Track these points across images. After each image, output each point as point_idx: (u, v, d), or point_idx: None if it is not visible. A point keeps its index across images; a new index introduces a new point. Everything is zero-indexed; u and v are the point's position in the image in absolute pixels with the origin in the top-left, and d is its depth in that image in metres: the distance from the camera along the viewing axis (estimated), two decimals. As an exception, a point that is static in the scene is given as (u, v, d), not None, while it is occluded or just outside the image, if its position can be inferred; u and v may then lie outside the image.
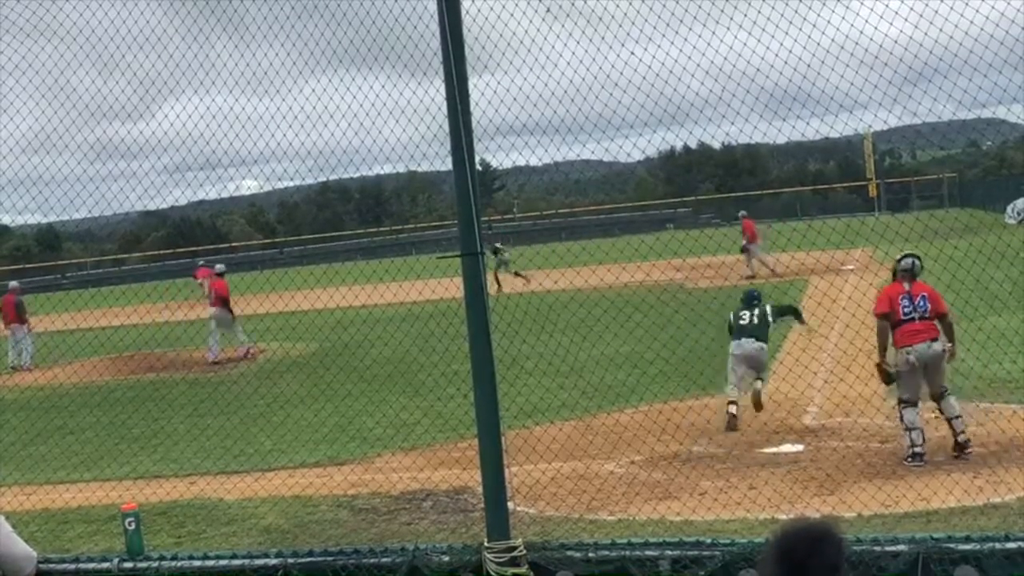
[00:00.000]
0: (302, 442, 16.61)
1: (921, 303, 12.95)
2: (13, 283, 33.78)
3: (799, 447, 13.91)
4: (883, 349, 13.03)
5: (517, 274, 42.34)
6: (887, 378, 13.13)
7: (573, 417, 16.65)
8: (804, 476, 12.49)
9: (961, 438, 12.77)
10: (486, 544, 9.66)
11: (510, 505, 10.28)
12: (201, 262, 64.61)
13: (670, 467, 13.41)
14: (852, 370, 15.48)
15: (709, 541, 9.45)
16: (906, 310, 12.94)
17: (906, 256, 13.40)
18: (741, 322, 16.25)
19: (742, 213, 43.52)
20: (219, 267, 32.59)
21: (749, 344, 15.88)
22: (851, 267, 33.08)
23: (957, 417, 12.83)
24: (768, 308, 16.61)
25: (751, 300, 16.70)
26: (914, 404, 12.71)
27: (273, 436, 17.24)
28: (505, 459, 10.19)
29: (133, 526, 10.71)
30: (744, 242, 39.86)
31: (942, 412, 12.82)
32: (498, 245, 42.92)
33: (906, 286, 13.11)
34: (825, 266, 31.40)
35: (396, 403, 18.77)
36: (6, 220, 59.60)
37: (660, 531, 10.72)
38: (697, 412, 15.65)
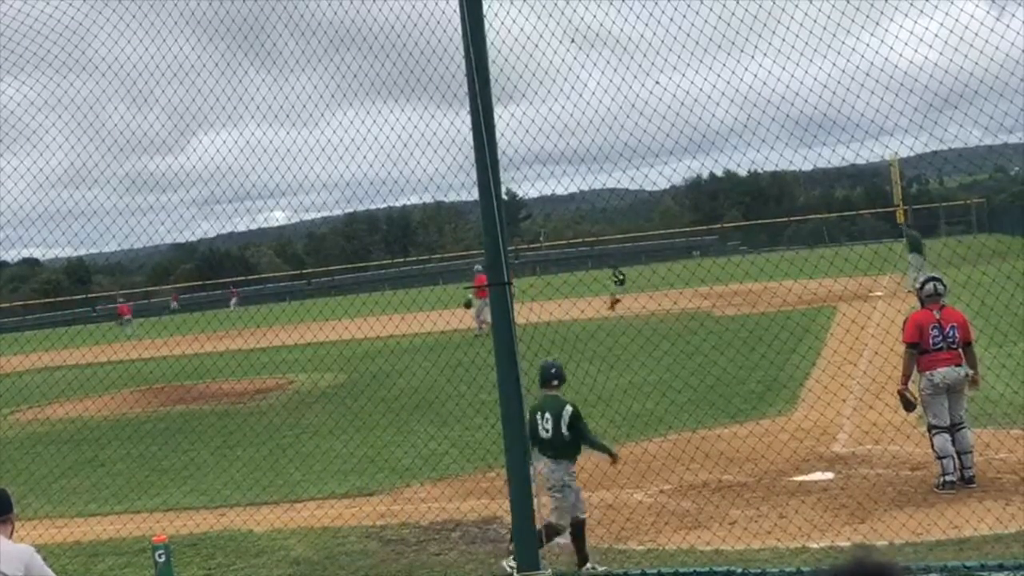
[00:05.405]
0: (331, 473, 16.63)
1: (951, 333, 12.69)
2: None
3: (829, 475, 13.82)
4: (907, 377, 12.87)
5: None
6: (908, 405, 13.00)
7: (601, 446, 16.57)
8: (834, 504, 12.41)
9: (968, 473, 12.64)
10: (516, 575, 9.65)
11: (539, 535, 10.26)
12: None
13: (699, 496, 13.35)
14: (882, 397, 15.38)
15: (740, 571, 9.42)
16: (935, 340, 12.69)
17: (928, 280, 13.18)
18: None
19: (477, 267, 40.20)
20: None
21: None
22: (879, 294, 32.96)
23: (969, 452, 12.71)
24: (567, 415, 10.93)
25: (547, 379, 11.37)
26: (945, 430, 12.59)
27: (302, 467, 17.27)
28: (534, 489, 10.19)
29: (163, 558, 10.73)
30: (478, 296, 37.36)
31: (955, 443, 12.64)
32: None
33: (936, 314, 12.79)
34: (853, 293, 31.32)
35: (424, 433, 18.77)
36: (37, 254, 60.20)
37: (690, 561, 10.66)
38: (726, 440, 15.58)
